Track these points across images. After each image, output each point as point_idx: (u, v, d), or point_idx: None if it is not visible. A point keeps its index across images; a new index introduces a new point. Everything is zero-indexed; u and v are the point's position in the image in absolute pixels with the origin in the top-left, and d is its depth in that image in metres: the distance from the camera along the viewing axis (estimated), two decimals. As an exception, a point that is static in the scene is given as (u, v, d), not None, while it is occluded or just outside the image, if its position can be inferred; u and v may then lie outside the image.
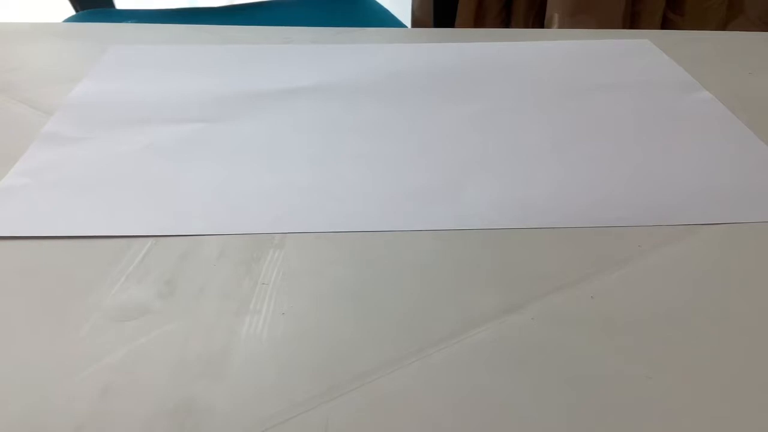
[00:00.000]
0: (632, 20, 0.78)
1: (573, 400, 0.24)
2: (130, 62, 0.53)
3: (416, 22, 1.02)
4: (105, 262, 0.31)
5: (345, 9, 0.98)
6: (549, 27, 0.68)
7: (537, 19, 0.80)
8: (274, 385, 0.25)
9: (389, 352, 0.26)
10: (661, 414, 0.24)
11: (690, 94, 0.47)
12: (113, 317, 0.28)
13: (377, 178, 0.37)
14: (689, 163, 0.39)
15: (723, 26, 0.62)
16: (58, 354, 0.26)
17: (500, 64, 0.53)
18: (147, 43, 0.57)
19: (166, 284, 0.30)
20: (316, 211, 0.35)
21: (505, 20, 0.94)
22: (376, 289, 0.30)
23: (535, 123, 0.43)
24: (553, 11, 0.69)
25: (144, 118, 0.44)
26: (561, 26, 0.72)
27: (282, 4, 1.01)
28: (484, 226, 0.33)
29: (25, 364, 0.26)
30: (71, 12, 1.00)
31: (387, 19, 0.95)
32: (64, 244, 0.32)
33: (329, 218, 0.34)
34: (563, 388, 0.25)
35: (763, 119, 0.43)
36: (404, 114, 0.45)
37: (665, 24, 0.73)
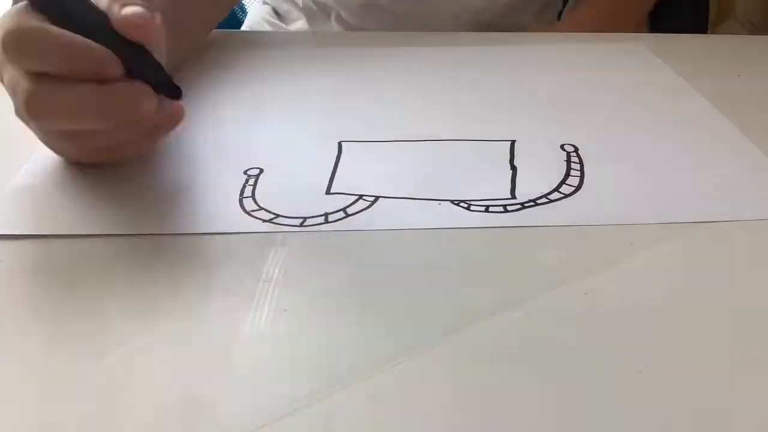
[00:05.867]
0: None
1: (566, 394, 0.25)
2: None
3: None
4: (111, 260, 0.32)
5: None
6: None
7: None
8: (276, 380, 0.26)
9: (389, 348, 0.27)
10: (651, 406, 0.24)
11: (681, 96, 0.48)
12: (118, 314, 0.29)
13: (376, 177, 0.38)
14: (681, 162, 0.39)
15: (713, 29, 0.63)
16: (63, 351, 0.27)
17: (496, 67, 0.53)
18: None
19: (171, 282, 0.30)
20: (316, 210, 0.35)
21: None
22: (375, 287, 0.30)
23: (530, 125, 0.44)
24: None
25: None
26: None
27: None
28: (480, 225, 0.34)
29: (30, 361, 0.27)
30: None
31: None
32: (70, 242, 0.33)
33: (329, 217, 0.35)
34: (557, 382, 0.25)
35: (751, 120, 0.44)
36: (402, 115, 0.45)
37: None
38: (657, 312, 0.29)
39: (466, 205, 0.35)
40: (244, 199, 0.36)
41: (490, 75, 0.52)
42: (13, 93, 0.34)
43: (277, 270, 0.31)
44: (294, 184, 0.37)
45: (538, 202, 0.36)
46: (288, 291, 0.30)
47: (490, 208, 0.35)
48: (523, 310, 0.29)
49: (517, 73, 0.52)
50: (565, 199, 0.36)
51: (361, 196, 0.36)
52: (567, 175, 0.38)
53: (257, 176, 0.38)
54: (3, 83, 0.36)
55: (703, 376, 0.26)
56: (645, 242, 0.33)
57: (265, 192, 0.37)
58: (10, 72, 0.34)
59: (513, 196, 0.36)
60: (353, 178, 0.38)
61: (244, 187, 0.37)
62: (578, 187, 0.37)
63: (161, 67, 0.36)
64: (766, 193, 0.37)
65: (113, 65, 0.33)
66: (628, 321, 0.28)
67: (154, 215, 0.35)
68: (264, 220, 0.34)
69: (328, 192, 0.37)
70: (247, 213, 0.35)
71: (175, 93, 0.36)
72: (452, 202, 0.36)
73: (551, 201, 0.36)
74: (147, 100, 0.34)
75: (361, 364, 0.26)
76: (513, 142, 0.41)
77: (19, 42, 0.33)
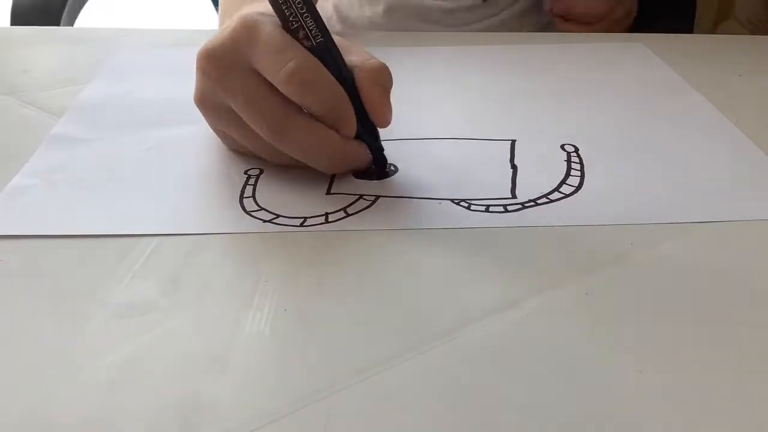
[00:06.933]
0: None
1: (567, 394, 0.25)
2: (138, 65, 0.53)
3: None
4: (111, 260, 0.32)
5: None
6: None
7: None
8: (276, 380, 0.26)
9: (389, 348, 0.27)
10: (651, 406, 0.25)
11: (681, 96, 0.48)
12: (119, 314, 0.29)
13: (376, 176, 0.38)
14: (681, 162, 0.40)
15: (713, 29, 0.63)
16: (65, 350, 0.27)
17: (496, 66, 0.54)
18: (154, 46, 0.58)
19: (171, 282, 0.30)
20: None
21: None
22: (375, 287, 0.30)
23: (530, 125, 0.44)
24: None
25: (151, 120, 0.44)
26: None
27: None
28: (480, 225, 0.34)
29: (32, 359, 0.27)
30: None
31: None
32: (71, 242, 0.33)
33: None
34: (557, 382, 0.25)
35: (752, 120, 0.44)
36: (402, 115, 0.45)
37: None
38: (657, 312, 0.29)
39: (466, 205, 0.35)
40: (244, 199, 0.36)
41: (490, 75, 0.52)
42: (248, 104, 0.35)
43: (277, 270, 0.31)
44: (294, 184, 0.37)
45: (539, 202, 0.36)
46: (288, 291, 0.30)
47: (491, 208, 0.35)
48: (523, 310, 0.29)
49: (517, 72, 0.52)
50: (565, 199, 0.36)
51: (361, 196, 0.36)
52: (567, 175, 0.38)
53: (257, 176, 0.38)
54: (223, 83, 0.35)
55: (703, 377, 0.26)
56: (645, 242, 0.33)
57: (265, 192, 0.37)
58: (245, 82, 0.35)
59: (513, 196, 0.36)
60: (353, 177, 0.38)
61: (244, 187, 0.37)
62: (578, 187, 0.37)
63: (378, 135, 0.37)
64: (767, 193, 0.37)
65: (354, 125, 0.35)
66: (628, 321, 0.28)
67: (155, 215, 0.35)
68: (264, 221, 0.34)
69: (328, 192, 0.37)
70: (248, 213, 0.35)
71: (383, 163, 0.38)
72: (452, 201, 0.36)
73: (552, 201, 0.36)
74: (366, 163, 0.37)
75: (361, 364, 0.26)
76: (513, 141, 0.42)
77: (306, 80, 0.34)
